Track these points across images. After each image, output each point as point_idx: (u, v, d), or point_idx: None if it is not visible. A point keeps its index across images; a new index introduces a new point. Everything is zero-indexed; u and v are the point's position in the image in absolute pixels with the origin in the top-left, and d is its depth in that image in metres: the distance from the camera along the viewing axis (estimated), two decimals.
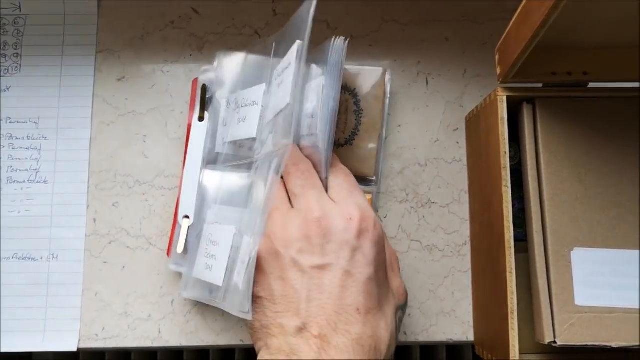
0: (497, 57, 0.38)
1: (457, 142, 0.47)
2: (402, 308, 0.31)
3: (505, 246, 0.36)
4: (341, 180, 0.33)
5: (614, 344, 0.34)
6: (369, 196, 0.43)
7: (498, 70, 0.38)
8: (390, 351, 0.28)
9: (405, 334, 0.44)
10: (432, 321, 0.44)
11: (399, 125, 0.47)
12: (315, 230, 0.29)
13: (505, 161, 0.37)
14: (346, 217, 0.29)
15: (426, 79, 0.48)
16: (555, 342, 0.35)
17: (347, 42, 0.37)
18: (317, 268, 0.28)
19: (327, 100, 0.36)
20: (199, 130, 0.44)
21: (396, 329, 0.29)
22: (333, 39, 0.37)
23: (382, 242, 0.30)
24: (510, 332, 0.35)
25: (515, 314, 0.35)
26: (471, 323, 0.44)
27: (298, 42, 0.37)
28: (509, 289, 0.35)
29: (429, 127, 0.47)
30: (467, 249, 0.45)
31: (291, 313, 0.27)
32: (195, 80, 0.45)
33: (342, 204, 0.31)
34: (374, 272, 0.28)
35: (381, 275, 0.29)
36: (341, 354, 0.25)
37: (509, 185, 0.36)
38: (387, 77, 0.44)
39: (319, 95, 0.37)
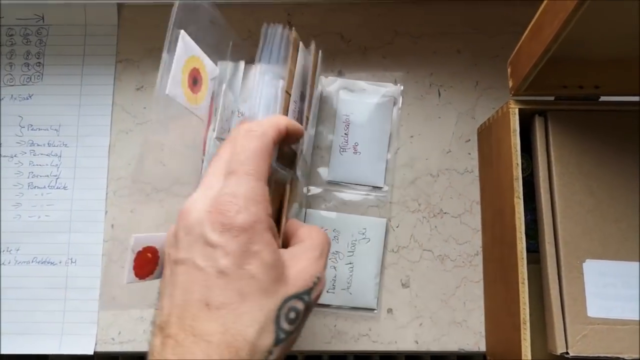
0: (509, 70, 0.39)
1: (469, 153, 0.47)
2: (300, 296, 0.28)
3: (518, 257, 0.36)
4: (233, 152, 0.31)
5: (627, 356, 0.34)
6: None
7: (510, 83, 0.39)
8: (263, 346, 0.26)
9: (416, 342, 0.44)
10: (443, 331, 0.45)
11: (411, 136, 0.48)
12: (180, 224, 0.28)
13: (517, 173, 0.37)
14: (206, 209, 0.28)
15: (438, 90, 0.48)
16: (567, 353, 0.35)
17: (286, 28, 0.36)
18: (176, 263, 0.28)
19: (259, 84, 0.35)
20: (214, 142, 0.45)
21: (287, 321, 0.27)
22: (264, 26, 0.36)
23: (251, 230, 0.27)
24: (523, 342, 0.35)
25: (528, 324, 0.35)
26: (483, 333, 0.44)
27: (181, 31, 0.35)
28: (521, 299, 0.36)
29: (441, 138, 0.47)
30: (478, 260, 0.46)
31: (159, 311, 0.27)
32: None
33: (218, 190, 0.29)
34: (234, 264, 0.26)
35: (252, 266, 0.27)
36: (184, 352, 0.24)
37: (521, 196, 0.37)
38: (312, 45, 0.40)
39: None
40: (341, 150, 0.47)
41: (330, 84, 0.48)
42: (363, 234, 0.46)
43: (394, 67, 0.49)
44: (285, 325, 0.27)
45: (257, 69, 0.36)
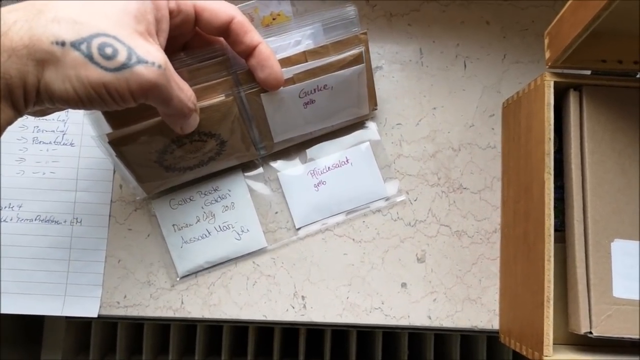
0: (546, 41, 0.37)
1: (493, 129, 0.46)
2: (128, 50, 0.29)
3: (545, 234, 0.35)
4: None
5: None
6: None
7: (547, 55, 0.37)
8: (56, 32, 0.28)
9: (429, 318, 0.44)
10: (457, 307, 0.44)
11: (434, 108, 0.46)
12: None
13: (549, 147, 0.36)
14: None
15: (464, 62, 0.47)
16: (591, 332, 0.34)
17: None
18: None
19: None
20: None
21: (99, 50, 0.28)
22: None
23: None
24: (545, 320, 0.34)
25: (551, 302, 0.34)
26: (497, 311, 0.44)
27: None
28: (546, 277, 0.35)
29: (464, 112, 0.46)
30: (496, 237, 0.45)
31: None
32: None
33: None
34: None
35: None
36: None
37: (552, 172, 0.36)
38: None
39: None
40: None
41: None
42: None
43: (420, 35, 0.47)
44: (94, 50, 0.28)
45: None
